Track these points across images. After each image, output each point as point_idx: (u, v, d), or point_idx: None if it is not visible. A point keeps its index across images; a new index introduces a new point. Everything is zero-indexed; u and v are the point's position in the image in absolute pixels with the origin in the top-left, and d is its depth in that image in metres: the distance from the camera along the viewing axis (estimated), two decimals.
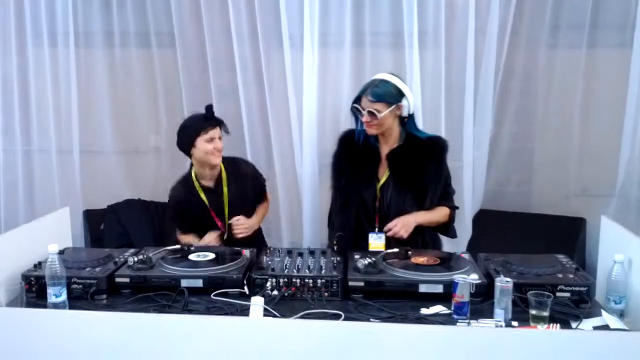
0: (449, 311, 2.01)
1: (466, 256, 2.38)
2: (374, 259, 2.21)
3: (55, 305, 2.01)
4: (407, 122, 2.61)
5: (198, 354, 1.60)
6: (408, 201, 2.57)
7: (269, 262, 2.30)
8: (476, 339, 1.57)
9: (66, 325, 1.68)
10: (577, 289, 2.05)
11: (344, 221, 2.61)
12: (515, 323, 1.93)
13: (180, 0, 3.39)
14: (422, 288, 2.12)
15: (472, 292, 2.00)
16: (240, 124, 3.38)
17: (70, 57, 3.50)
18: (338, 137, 2.71)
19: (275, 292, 2.13)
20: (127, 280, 2.19)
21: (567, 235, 3.28)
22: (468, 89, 3.23)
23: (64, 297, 2.03)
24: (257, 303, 1.96)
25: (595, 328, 1.92)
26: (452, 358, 1.56)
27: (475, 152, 3.33)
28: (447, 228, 2.68)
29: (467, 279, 1.99)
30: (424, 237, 2.62)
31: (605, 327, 1.92)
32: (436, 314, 2.02)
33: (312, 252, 2.45)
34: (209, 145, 2.71)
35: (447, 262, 2.30)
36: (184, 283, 2.16)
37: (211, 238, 2.75)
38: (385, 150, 2.62)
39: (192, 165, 2.85)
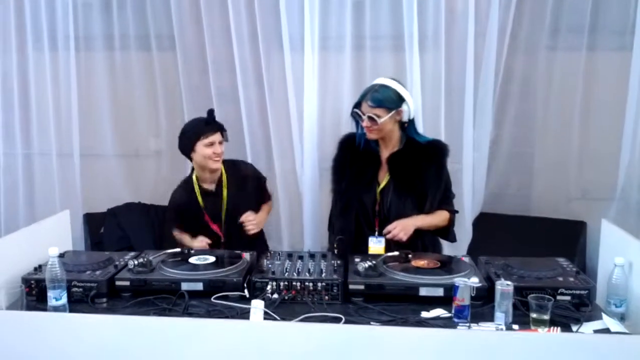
0: (449, 314, 2.01)
1: (466, 259, 2.38)
2: (374, 262, 2.21)
3: (56, 309, 2.01)
4: (407, 127, 2.61)
5: (198, 357, 1.60)
6: (408, 205, 2.57)
7: (269, 266, 2.29)
8: (477, 343, 1.57)
9: (66, 328, 1.67)
10: (577, 292, 2.05)
11: (344, 225, 2.61)
12: (515, 326, 1.93)
13: (180, 3, 3.39)
14: (423, 291, 2.12)
15: (473, 295, 2.00)
16: (240, 127, 3.38)
17: (70, 60, 3.50)
18: (338, 141, 2.72)
19: (275, 296, 2.13)
20: (127, 283, 2.19)
21: (568, 239, 3.27)
22: (468, 92, 3.22)
23: (64, 300, 2.03)
24: (257, 306, 1.96)
25: (596, 331, 1.91)
26: None
27: (475, 155, 3.32)
28: (447, 232, 2.68)
29: (467, 282, 1.99)
30: (424, 241, 2.62)
31: (606, 331, 1.92)
32: (437, 318, 2.02)
33: (312, 256, 2.45)
34: (208, 150, 2.72)
35: (448, 265, 2.30)
36: (184, 286, 2.16)
37: (199, 244, 2.72)
38: (385, 154, 2.62)
39: (193, 168, 2.86)
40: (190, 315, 2.02)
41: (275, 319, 1.95)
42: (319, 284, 2.15)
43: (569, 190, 3.42)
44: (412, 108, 2.57)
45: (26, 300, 2.12)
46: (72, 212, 2.77)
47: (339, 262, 2.35)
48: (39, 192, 3.69)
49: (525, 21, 3.28)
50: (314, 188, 3.34)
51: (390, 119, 2.53)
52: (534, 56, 3.33)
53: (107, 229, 3.59)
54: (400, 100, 2.54)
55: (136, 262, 2.23)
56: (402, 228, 2.47)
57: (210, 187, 2.83)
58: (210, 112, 2.78)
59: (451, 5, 3.21)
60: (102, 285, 2.15)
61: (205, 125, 2.75)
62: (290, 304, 2.12)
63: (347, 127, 2.74)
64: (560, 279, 2.12)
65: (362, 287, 2.14)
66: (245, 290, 2.17)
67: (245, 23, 3.31)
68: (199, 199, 2.82)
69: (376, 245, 2.54)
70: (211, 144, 2.72)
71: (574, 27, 3.26)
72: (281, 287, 2.16)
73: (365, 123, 2.53)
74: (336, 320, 1.97)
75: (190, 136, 2.76)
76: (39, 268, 2.22)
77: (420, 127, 2.91)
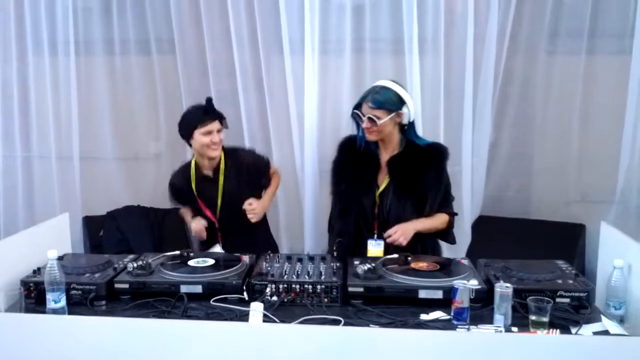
0: (448, 317, 2.01)
1: (466, 262, 2.38)
2: (373, 264, 2.21)
3: (54, 311, 2.01)
4: (407, 130, 2.61)
5: (197, 359, 1.60)
6: (407, 208, 2.57)
7: (269, 268, 2.29)
8: (476, 345, 1.57)
9: (65, 331, 1.67)
10: (576, 294, 2.05)
11: (343, 227, 2.61)
12: (515, 329, 1.93)
13: (180, 7, 3.40)
14: (422, 294, 2.12)
15: (472, 297, 2.00)
16: (240, 130, 3.38)
17: (70, 65, 3.51)
18: (338, 144, 2.72)
19: (274, 298, 2.13)
20: (126, 286, 2.19)
21: (567, 241, 3.28)
22: (467, 95, 3.23)
23: (63, 303, 2.03)
24: (256, 309, 1.96)
25: (595, 334, 1.91)
26: None
27: (475, 158, 3.33)
28: (446, 234, 2.68)
29: (466, 285, 1.99)
30: (423, 243, 2.62)
31: (605, 333, 1.92)
32: (436, 320, 2.02)
33: (311, 258, 2.44)
34: (205, 139, 2.73)
35: (447, 267, 2.29)
36: (184, 289, 2.16)
37: (196, 224, 2.78)
38: (385, 157, 2.63)
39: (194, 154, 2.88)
40: (190, 317, 2.01)
41: (274, 322, 1.95)
42: (318, 287, 2.15)
43: (568, 193, 3.42)
44: (413, 111, 2.57)
45: (25, 303, 2.11)
46: (71, 214, 2.77)
47: (338, 264, 2.35)
48: (38, 194, 3.70)
49: (524, 24, 3.29)
50: (314, 191, 3.35)
51: (390, 121, 2.53)
52: (533, 59, 3.34)
53: (106, 232, 3.60)
54: (400, 102, 2.54)
55: (135, 265, 2.23)
56: (402, 232, 2.47)
57: (209, 173, 2.86)
58: (209, 101, 2.80)
59: (450, 8, 3.22)
60: (101, 287, 2.15)
61: (204, 114, 2.76)
62: (289, 307, 2.11)
63: (347, 130, 2.74)
64: (560, 281, 2.12)
65: (361, 289, 2.13)
66: (245, 293, 2.16)
67: (245, 26, 3.33)
68: (193, 184, 2.83)
69: (375, 248, 2.54)
70: (209, 133, 2.73)
71: (574, 31, 3.27)
72: (280, 289, 2.15)
73: (365, 124, 2.53)
74: (335, 322, 1.97)
75: (188, 123, 2.79)
76: (38, 271, 2.21)
77: (419, 130, 2.92)
